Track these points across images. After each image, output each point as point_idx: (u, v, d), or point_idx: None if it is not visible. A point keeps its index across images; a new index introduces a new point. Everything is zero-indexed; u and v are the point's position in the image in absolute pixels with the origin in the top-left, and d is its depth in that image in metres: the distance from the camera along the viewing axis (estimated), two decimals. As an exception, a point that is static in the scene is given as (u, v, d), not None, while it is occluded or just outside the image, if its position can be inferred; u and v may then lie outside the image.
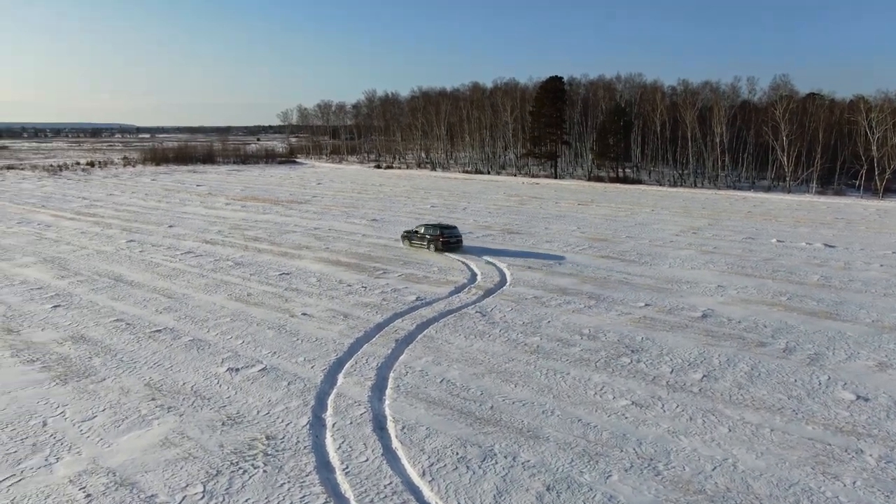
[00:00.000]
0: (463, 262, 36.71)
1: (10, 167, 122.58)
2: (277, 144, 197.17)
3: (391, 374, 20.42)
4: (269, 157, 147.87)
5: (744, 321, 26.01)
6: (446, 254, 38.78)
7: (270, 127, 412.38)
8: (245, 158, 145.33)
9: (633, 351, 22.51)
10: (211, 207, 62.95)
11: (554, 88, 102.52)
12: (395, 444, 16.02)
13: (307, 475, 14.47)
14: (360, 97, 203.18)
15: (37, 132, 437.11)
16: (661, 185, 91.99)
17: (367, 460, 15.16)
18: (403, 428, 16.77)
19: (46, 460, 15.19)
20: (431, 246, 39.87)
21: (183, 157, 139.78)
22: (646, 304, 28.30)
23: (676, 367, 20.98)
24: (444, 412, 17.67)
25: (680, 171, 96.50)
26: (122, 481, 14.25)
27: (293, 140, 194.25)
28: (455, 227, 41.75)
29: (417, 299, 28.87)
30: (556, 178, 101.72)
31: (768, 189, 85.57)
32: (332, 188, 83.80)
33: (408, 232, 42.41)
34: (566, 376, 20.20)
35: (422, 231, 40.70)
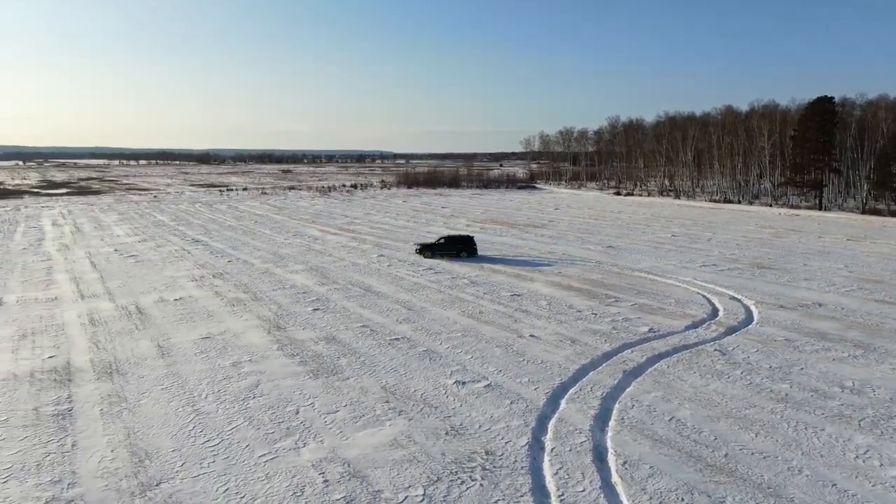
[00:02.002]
0: (704, 296, 34.20)
1: (291, 188, 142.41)
2: (518, 170, 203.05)
3: (616, 406, 19.60)
4: (510, 182, 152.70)
5: None
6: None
7: (513, 153, 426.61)
8: (487, 183, 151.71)
9: (910, 413, 18.97)
10: (453, 228, 66.51)
11: (822, 110, 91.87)
12: (615, 478, 15.27)
13: (522, 496, 14.39)
14: (603, 123, 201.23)
15: (314, 158, 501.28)
16: (960, 221, 77.22)
17: (583, 491, 14.65)
18: (625, 463, 15.94)
19: (296, 444, 17.05)
20: (463, 254, 46.17)
21: (431, 181, 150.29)
22: (931, 360, 23.76)
23: (971, 440, 17.24)
24: (671, 452, 16.47)
25: None
26: (354, 473, 15.45)
27: (534, 166, 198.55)
28: (473, 237, 48.49)
29: (650, 331, 27.47)
30: (820, 209, 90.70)
31: None
32: (569, 213, 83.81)
33: (427, 245, 47.54)
34: (820, 432, 17.66)
35: (444, 243, 46.77)
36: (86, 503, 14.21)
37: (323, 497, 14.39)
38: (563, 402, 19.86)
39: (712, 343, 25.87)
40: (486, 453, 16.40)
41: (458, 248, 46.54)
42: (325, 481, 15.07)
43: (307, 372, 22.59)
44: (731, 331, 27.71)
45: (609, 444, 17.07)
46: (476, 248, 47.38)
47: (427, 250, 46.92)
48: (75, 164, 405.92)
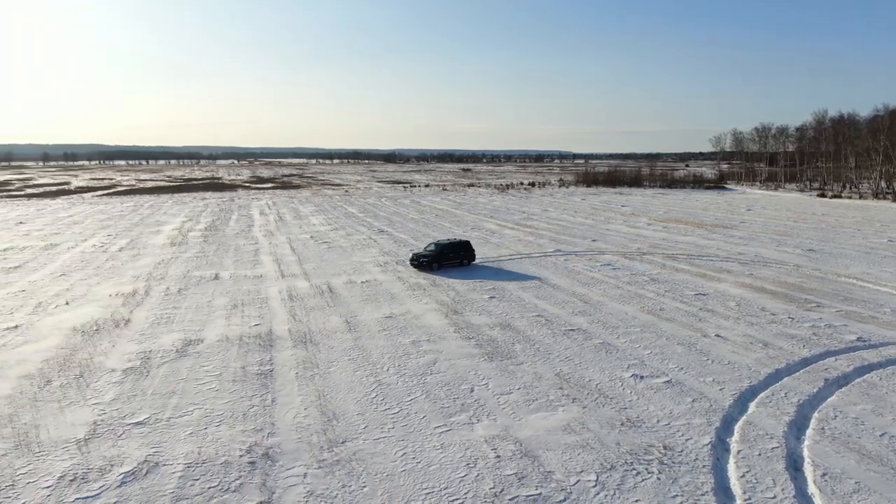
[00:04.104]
0: (927, 307, 29.88)
1: (470, 185, 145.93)
2: (706, 170, 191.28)
3: (815, 415, 17.77)
4: (696, 183, 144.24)
5: None
6: None
7: (700, 153, 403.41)
8: (671, 183, 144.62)
9: None
10: (633, 226, 64.27)
11: None
12: (812, 489, 13.85)
13: (703, 495, 13.53)
14: (807, 119, 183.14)
15: (493, 157, 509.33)
16: None
17: (774, 498, 13.45)
18: (825, 475, 14.40)
19: (469, 420, 17.44)
20: (465, 261, 41.55)
21: (611, 180, 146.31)
22: None
23: None
24: (882, 470, 14.60)
25: None
26: (525, 452, 15.48)
27: (724, 166, 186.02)
28: (469, 241, 43.23)
29: (859, 339, 24.56)
30: None
31: None
32: (763, 215, 77.40)
33: (428, 255, 40.16)
34: None
35: (446, 252, 40.61)
36: (282, 451, 15.62)
37: (495, 471, 14.58)
38: (752, 406, 18.40)
39: (938, 358, 22.53)
40: (665, 448, 15.64)
41: (462, 254, 41.51)
42: (497, 457, 15.26)
43: (482, 354, 23.02)
44: (963, 346, 23.96)
45: (806, 453, 15.53)
46: (474, 253, 42.72)
47: (435, 261, 39.81)
48: (279, 162, 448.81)
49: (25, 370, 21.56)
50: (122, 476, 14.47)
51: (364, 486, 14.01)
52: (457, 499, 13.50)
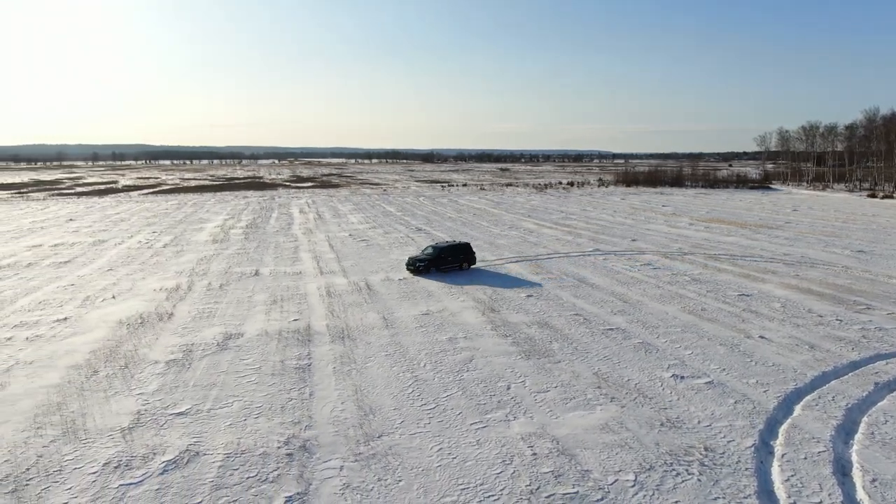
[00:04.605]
0: None
1: (508, 184, 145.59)
2: (750, 170, 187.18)
3: (864, 419, 17.19)
4: (740, 182, 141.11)
5: None
6: None
7: (745, 153, 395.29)
8: (713, 183, 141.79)
9: None
10: (674, 226, 63.18)
11: None
12: (861, 495, 13.38)
13: (745, 497, 13.19)
14: (858, 117, 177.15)
15: (531, 157, 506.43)
16: None
17: (820, 502, 13.03)
18: (875, 481, 13.90)
19: (506, 416, 17.33)
20: (466, 264, 39.51)
21: (652, 179, 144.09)
22: None
23: None
24: (936, 477, 14.02)
25: None
26: (563, 450, 15.31)
27: (769, 166, 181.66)
28: (469, 244, 41.57)
29: (911, 343, 23.68)
30: None
31: None
32: (810, 215, 75.31)
33: (425, 259, 38.20)
34: None
35: (445, 255, 38.57)
36: (319, 444, 15.76)
37: (531, 468, 14.46)
38: (797, 408, 17.87)
39: None
40: (706, 449, 15.30)
41: (461, 258, 39.32)
42: (534, 454, 15.12)
43: (519, 352, 22.87)
44: None
45: (854, 457, 15.02)
46: (475, 256, 40.62)
47: (432, 266, 38.00)
48: (319, 161, 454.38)
49: (74, 360, 22.22)
50: (164, 464, 14.77)
51: (400, 480, 14.03)
52: (492, 495, 13.42)
